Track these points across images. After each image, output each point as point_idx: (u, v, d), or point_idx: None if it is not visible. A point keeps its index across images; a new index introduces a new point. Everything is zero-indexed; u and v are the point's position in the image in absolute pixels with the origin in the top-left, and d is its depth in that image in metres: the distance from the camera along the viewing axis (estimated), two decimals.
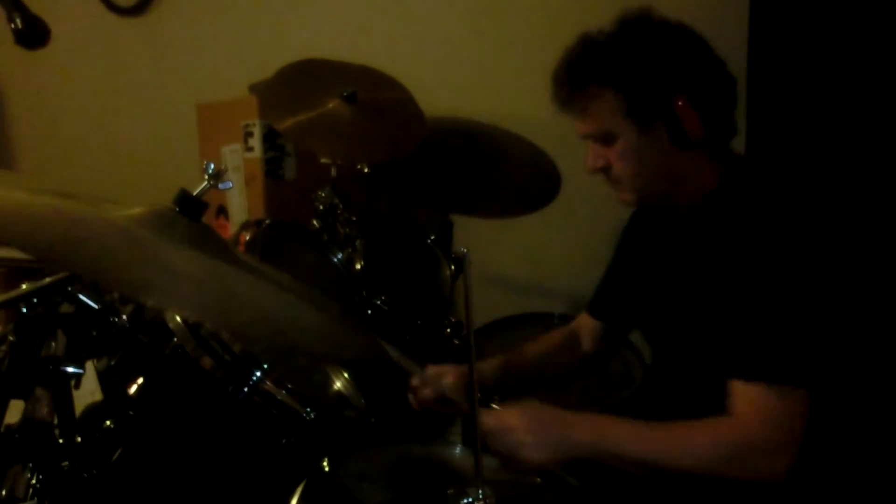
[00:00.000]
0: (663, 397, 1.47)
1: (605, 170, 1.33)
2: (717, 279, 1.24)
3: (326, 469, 1.21)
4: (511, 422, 1.19)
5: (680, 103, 1.23)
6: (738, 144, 1.48)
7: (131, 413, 1.11)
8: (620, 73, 1.25)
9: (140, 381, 1.13)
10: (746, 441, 1.15)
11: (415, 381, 1.47)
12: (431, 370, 1.47)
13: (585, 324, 1.62)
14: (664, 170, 1.30)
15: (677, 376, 1.41)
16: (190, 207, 0.98)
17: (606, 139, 1.29)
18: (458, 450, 1.36)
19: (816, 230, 1.23)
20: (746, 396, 1.16)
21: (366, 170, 2.03)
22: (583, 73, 1.29)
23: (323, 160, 1.94)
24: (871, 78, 1.89)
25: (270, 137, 2.12)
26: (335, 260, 1.80)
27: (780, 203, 1.25)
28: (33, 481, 0.89)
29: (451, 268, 1.98)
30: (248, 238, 1.67)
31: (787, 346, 1.16)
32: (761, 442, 1.14)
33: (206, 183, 1.01)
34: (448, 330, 1.85)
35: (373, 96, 1.93)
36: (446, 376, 1.44)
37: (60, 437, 0.95)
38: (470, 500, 1.03)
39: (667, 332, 1.42)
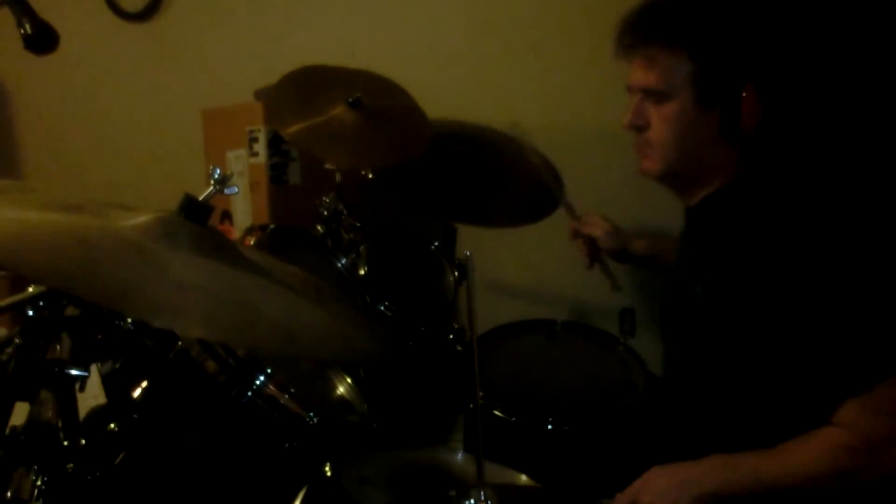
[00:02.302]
0: (671, 403, 1.46)
1: (642, 129, 1.28)
2: (732, 290, 1.20)
3: (329, 474, 1.22)
4: (641, 499, 1.21)
5: (745, 94, 1.18)
6: None
7: (135, 416, 1.11)
8: (702, 39, 1.20)
9: (144, 384, 1.13)
10: (864, 441, 1.13)
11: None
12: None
13: None
14: (699, 153, 1.26)
15: (689, 380, 1.40)
16: (195, 212, 0.99)
17: (660, 98, 1.24)
18: (459, 455, 1.36)
19: (848, 227, 1.21)
20: (846, 405, 1.14)
21: (370, 176, 2.04)
22: (663, 25, 1.24)
23: (327, 166, 1.95)
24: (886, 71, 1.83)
25: (275, 143, 2.12)
26: (339, 265, 1.80)
27: (794, 201, 1.23)
28: (38, 483, 0.89)
29: (454, 274, 1.98)
30: (252, 243, 1.68)
31: (864, 343, 1.14)
32: (878, 438, 1.13)
33: (211, 188, 1.02)
34: (451, 336, 1.85)
35: (377, 102, 1.94)
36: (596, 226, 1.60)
37: (65, 440, 0.95)
38: (472, 502, 1.03)
39: (674, 336, 1.41)
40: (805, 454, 1.17)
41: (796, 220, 1.21)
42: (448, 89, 2.41)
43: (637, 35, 1.25)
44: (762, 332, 1.18)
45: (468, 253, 1.06)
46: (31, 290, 0.97)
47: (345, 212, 1.91)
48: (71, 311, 1.00)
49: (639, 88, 1.27)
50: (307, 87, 1.93)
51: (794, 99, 1.28)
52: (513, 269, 2.48)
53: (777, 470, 1.17)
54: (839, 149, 1.76)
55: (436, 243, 2.04)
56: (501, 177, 2.07)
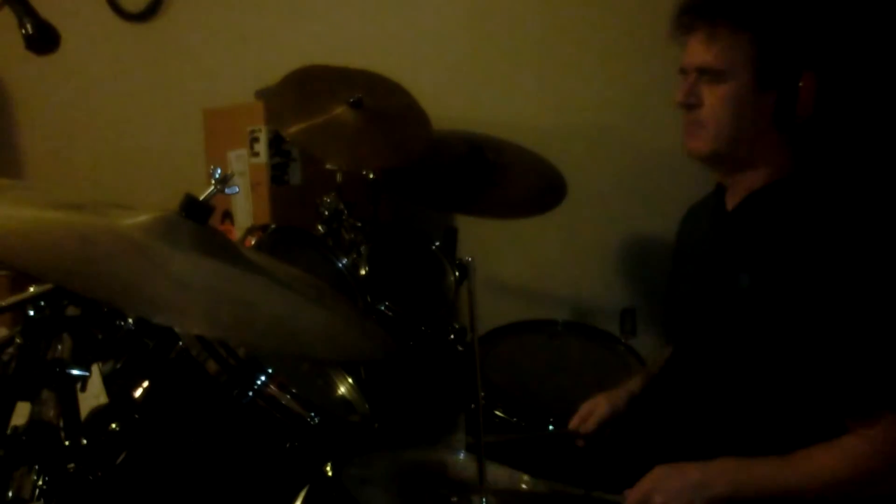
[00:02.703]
0: (677, 402, 1.45)
1: (694, 108, 1.27)
2: (781, 285, 1.19)
3: (330, 474, 1.22)
4: (652, 498, 1.20)
5: (803, 84, 1.19)
6: None
7: (136, 416, 1.11)
8: (768, 22, 1.21)
9: (145, 384, 1.14)
10: (882, 458, 1.13)
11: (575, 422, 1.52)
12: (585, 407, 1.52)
13: None
14: (749, 137, 1.25)
15: (704, 376, 1.37)
16: (196, 211, 0.99)
17: (716, 77, 1.24)
18: (461, 455, 1.36)
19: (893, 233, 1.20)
20: (868, 422, 1.13)
21: (371, 176, 2.04)
22: (730, 5, 1.23)
23: (328, 166, 1.95)
24: None
25: (276, 143, 2.13)
26: (340, 265, 1.80)
27: (857, 206, 1.22)
28: (39, 483, 0.89)
29: (455, 274, 1.98)
30: (253, 243, 1.68)
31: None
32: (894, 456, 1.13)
33: (212, 188, 1.02)
34: (452, 336, 1.86)
35: (378, 102, 1.94)
36: (599, 407, 1.50)
37: (66, 440, 0.95)
38: None
39: (700, 330, 1.38)
40: (826, 461, 1.16)
41: (855, 219, 1.21)
42: (449, 90, 2.41)
43: (702, 14, 1.25)
44: (803, 327, 1.17)
45: (470, 258, 1.06)
46: (32, 289, 0.97)
47: (346, 212, 1.91)
48: (72, 310, 1.00)
49: (695, 67, 1.26)
50: (308, 87, 1.93)
51: (849, 91, 1.26)
52: (514, 270, 2.49)
53: (795, 475, 1.16)
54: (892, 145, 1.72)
55: (437, 243, 2.04)
56: (501, 174, 2.07)
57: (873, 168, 1.66)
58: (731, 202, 1.36)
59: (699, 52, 1.25)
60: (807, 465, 1.16)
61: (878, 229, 1.20)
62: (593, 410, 1.52)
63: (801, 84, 1.20)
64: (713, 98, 1.25)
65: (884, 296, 1.15)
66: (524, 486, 1.30)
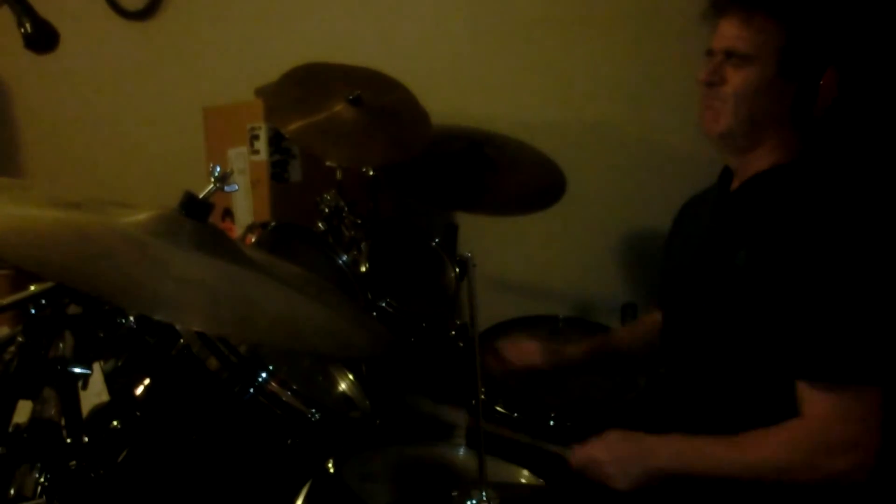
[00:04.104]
0: (672, 396, 1.46)
1: (716, 86, 1.29)
2: (773, 262, 1.21)
3: (331, 470, 1.22)
4: (597, 455, 1.26)
5: (824, 82, 1.21)
6: None
7: (138, 414, 1.11)
8: (801, 14, 1.23)
9: (146, 382, 1.14)
10: (823, 441, 1.14)
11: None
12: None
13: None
14: (764, 124, 1.28)
15: (691, 370, 1.39)
16: (195, 209, 0.99)
17: (743, 60, 1.26)
18: (461, 451, 1.37)
19: (885, 224, 1.22)
20: (818, 397, 1.15)
21: (371, 173, 2.04)
22: None
23: (328, 163, 1.95)
24: None
25: (276, 140, 2.12)
26: (340, 262, 1.80)
27: (854, 195, 1.24)
28: (41, 480, 0.90)
29: (455, 270, 1.98)
30: (253, 240, 1.68)
31: (858, 343, 1.15)
32: (838, 442, 1.14)
33: (212, 185, 1.02)
34: (453, 332, 1.86)
35: (378, 99, 1.94)
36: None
37: (68, 437, 0.95)
38: (473, 502, 1.04)
39: (693, 309, 1.40)
40: (764, 446, 1.18)
41: (852, 202, 1.23)
42: (449, 87, 2.41)
43: (739, 0, 1.27)
44: (783, 303, 1.19)
45: (469, 254, 1.06)
46: (33, 288, 0.97)
47: (346, 209, 1.91)
48: (73, 309, 1.01)
49: (723, 49, 1.28)
50: (308, 84, 1.93)
51: (866, 92, 1.27)
52: (515, 266, 2.49)
53: (734, 457, 1.19)
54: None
55: (437, 240, 2.04)
56: (501, 170, 2.07)
57: (875, 158, 1.67)
58: (735, 185, 1.37)
59: (730, 35, 1.27)
60: (747, 448, 1.18)
61: (873, 213, 1.22)
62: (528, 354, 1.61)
63: (822, 82, 1.22)
64: (737, 79, 1.27)
65: (869, 275, 1.17)
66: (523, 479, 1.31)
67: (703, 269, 1.36)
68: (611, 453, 1.26)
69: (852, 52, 1.23)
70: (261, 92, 2.26)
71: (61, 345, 0.96)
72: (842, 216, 1.21)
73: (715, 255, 1.33)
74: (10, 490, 0.88)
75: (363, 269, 1.82)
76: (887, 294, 1.17)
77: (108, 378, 1.12)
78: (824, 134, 1.31)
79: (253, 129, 2.14)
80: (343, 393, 1.37)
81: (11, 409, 0.94)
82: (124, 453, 1.07)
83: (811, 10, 1.25)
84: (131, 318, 1.10)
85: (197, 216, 0.98)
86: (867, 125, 1.81)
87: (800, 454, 1.15)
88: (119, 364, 1.16)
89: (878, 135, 1.79)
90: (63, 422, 0.94)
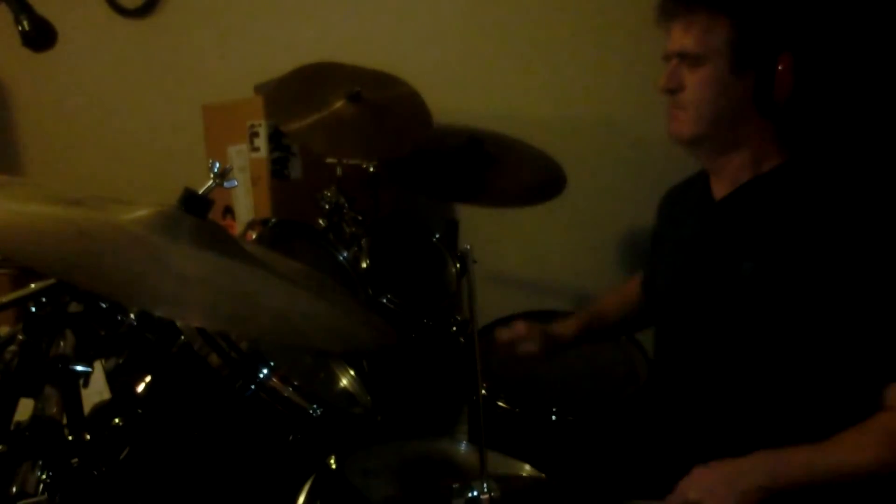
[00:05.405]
0: (672, 392, 1.46)
1: (676, 92, 1.30)
2: (808, 271, 1.20)
3: (333, 466, 1.22)
4: (690, 496, 1.19)
5: (781, 67, 1.21)
6: None
7: (139, 411, 1.11)
8: (743, 7, 1.24)
9: (148, 379, 1.14)
10: None
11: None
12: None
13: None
14: (730, 119, 1.28)
15: (691, 374, 1.39)
16: (195, 205, 0.99)
17: (695, 61, 1.27)
18: (463, 446, 1.37)
19: None
20: None
21: (371, 169, 2.04)
22: None
23: (328, 160, 1.95)
24: None
25: (276, 138, 2.12)
26: (341, 258, 1.80)
27: (863, 191, 1.23)
28: (43, 478, 0.90)
29: (456, 266, 1.98)
30: (254, 237, 1.68)
31: None
32: None
33: (211, 181, 1.02)
34: (454, 328, 1.86)
35: (377, 95, 1.94)
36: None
37: (69, 435, 0.96)
38: (475, 493, 1.04)
39: (694, 319, 1.39)
40: (862, 443, 1.15)
41: (858, 200, 1.22)
42: (449, 84, 2.40)
43: (680, 1, 1.28)
44: (817, 310, 1.18)
45: (468, 246, 1.06)
46: (33, 286, 0.97)
47: (346, 205, 1.91)
48: (74, 307, 1.01)
49: (675, 52, 1.30)
50: (307, 81, 1.93)
51: (828, 74, 1.28)
52: (515, 261, 2.49)
53: (832, 461, 1.15)
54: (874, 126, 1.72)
55: (437, 235, 2.04)
56: (501, 165, 2.07)
57: (860, 151, 1.67)
58: (717, 190, 1.37)
59: (678, 37, 1.29)
60: (845, 449, 1.15)
61: (883, 208, 1.21)
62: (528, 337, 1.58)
63: (779, 67, 1.22)
64: (693, 81, 1.28)
65: None
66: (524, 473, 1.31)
67: (700, 281, 1.35)
68: (701, 489, 1.18)
69: (807, 34, 1.22)
70: (261, 89, 2.26)
71: (62, 343, 0.97)
72: (856, 210, 1.20)
73: (712, 266, 1.33)
74: (12, 487, 0.88)
75: (364, 265, 1.82)
76: None
77: (110, 376, 1.12)
78: (802, 127, 1.30)
79: (253, 126, 2.14)
80: (344, 389, 1.37)
81: (13, 408, 0.94)
82: (126, 451, 1.07)
83: (753, 1, 1.25)
84: (132, 316, 1.10)
85: (197, 212, 0.98)
86: (845, 112, 1.82)
87: None
88: (120, 362, 1.16)
89: (857, 122, 1.78)
90: (65, 420, 0.95)
